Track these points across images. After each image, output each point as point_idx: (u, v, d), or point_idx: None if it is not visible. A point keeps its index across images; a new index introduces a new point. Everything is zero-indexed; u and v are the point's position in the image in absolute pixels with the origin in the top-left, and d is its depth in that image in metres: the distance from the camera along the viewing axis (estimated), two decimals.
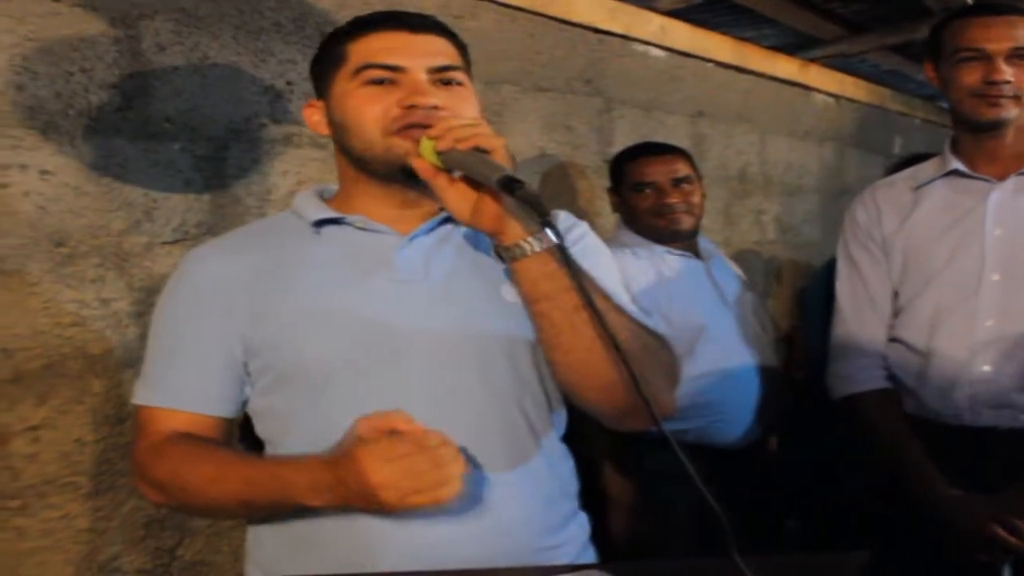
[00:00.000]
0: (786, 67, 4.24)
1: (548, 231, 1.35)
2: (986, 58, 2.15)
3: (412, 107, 1.45)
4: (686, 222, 2.72)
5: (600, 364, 1.38)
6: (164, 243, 2.10)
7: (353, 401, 1.41)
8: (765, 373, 2.75)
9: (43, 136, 1.92)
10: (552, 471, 1.56)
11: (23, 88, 1.89)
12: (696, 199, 2.75)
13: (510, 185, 1.27)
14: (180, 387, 1.54)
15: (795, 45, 4.20)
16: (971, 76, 2.17)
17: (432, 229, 1.56)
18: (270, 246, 1.57)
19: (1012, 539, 2.02)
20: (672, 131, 3.56)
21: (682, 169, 2.75)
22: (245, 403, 1.57)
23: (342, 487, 1.31)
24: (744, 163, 4.04)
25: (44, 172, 1.92)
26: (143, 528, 2.08)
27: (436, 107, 1.45)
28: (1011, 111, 2.16)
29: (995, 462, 2.13)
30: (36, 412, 1.92)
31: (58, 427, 1.95)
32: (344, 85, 1.52)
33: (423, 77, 1.47)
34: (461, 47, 1.58)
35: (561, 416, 1.63)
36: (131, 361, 2.04)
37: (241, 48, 2.23)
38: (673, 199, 2.70)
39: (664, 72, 3.55)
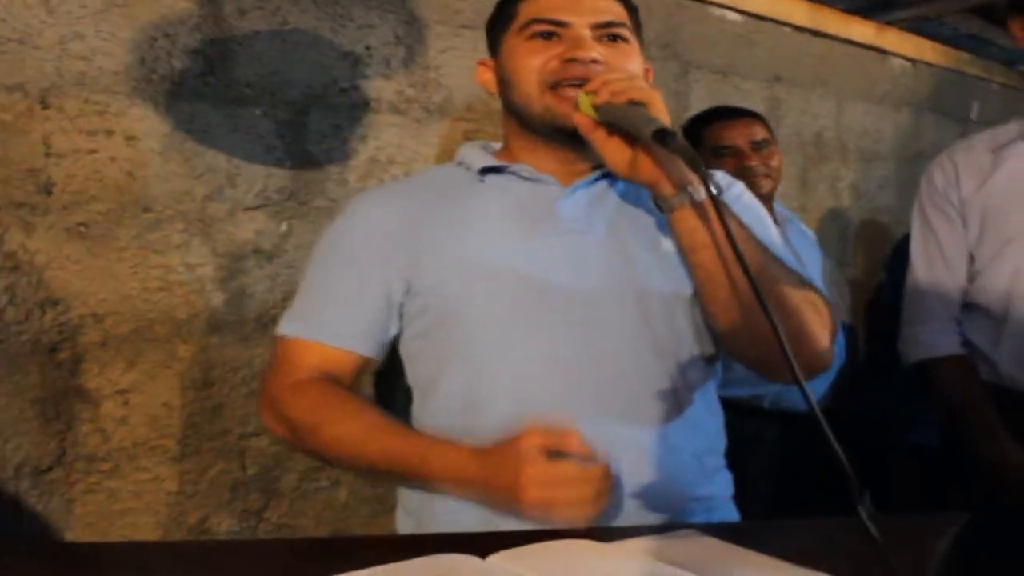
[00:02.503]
0: (863, 31, 4.16)
1: (701, 182, 1.36)
2: None
3: (571, 60, 1.48)
4: (766, 185, 2.69)
5: (757, 315, 1.36)
6: (246, 209, 2.10)
7: (509, 350, 1.47)
8: (840, 338, 2.72)
9: (128, 101, 1.93)
10: (702, 425, 1.56)
11: (109, 54, 1.90)
12: (775, 163, 2.73)
13: (663, 137, 1.30)
14: (327, 321, 1.57)
15: (872, 8, 4.12)
16: None
17: (593, 182, 1.58)
18: (436, 192, 1.61)
19: None
20: (748, 96, 3.51)
21: (760, 132, 2.73)
22: (386, 347, 1.61)
23: (486, 490, 1.33)
24: (820, 128, 3.97)
25: (130, 137, 1.93)
26: (230, 491, 2.10)
27: (595, 61, 1.48)
28: None
29: None
30: (125, 376, 1.94)
31: (146, 391, 1.97)
32: (512, 41, 1.57)
33: (586, 32, 1.51)
34: (631, 8, 1.61)
35: (715, 372, 1.63)
36: (216, 326, 2.05)
37: (320, 13, 2.22)
38: (753, 162, 2.68)
39: (740, 36, 3.50)
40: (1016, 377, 2.17)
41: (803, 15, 3.79)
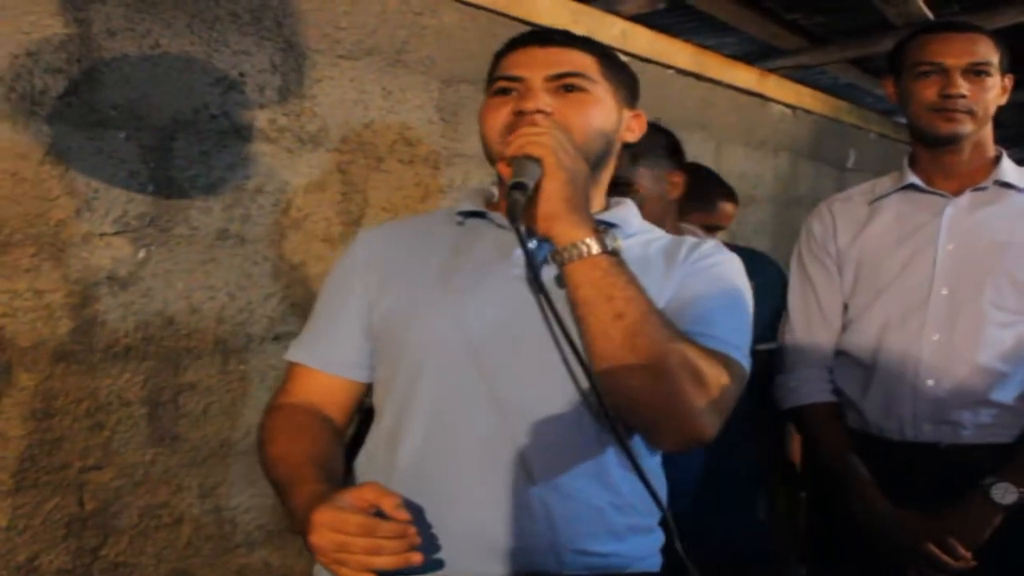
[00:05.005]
0: (745, 76, 4.24)
1: (595, 239, 1.42)
2: (943, 72, 2.18)
3: (520, 112, 1.53)
4: None
5: (629, 376, 1.40)
6: (104, 235, 2.04)
7: (429, 388, 1.53)
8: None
9: None
10: (612, 480, 1.54)
11: None
12: None
13: (511, 192, 1.40)
14: (321, 348, 1.67)
15: (755, 54, 4.20)
16: (929, 90, 2.19)
17: None
18: (420, 232, 1.71)
19: (946, 558, 2.04)
20: None
21: None
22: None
23: (302, 528, 1.36)
24: None
25: None
26: (65, 527, 2.03)
27: (541, 111, 1.52)
28: (967, 126, 2.19)
29: (935, 478, 2.15)
30: None
31: None
32: (485, 97, 1.64)
33: (538, 85, 1.56)
34: (602, 55, 1.65)
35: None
36: (63, 354, 1.99)
37: (195, 37, 2.18)
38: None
39: None
40: (882, 425, 2.23)
41: (686, 59, 3.85)
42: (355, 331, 1.64)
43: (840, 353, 2.35)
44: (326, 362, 1.66)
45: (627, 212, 1.69)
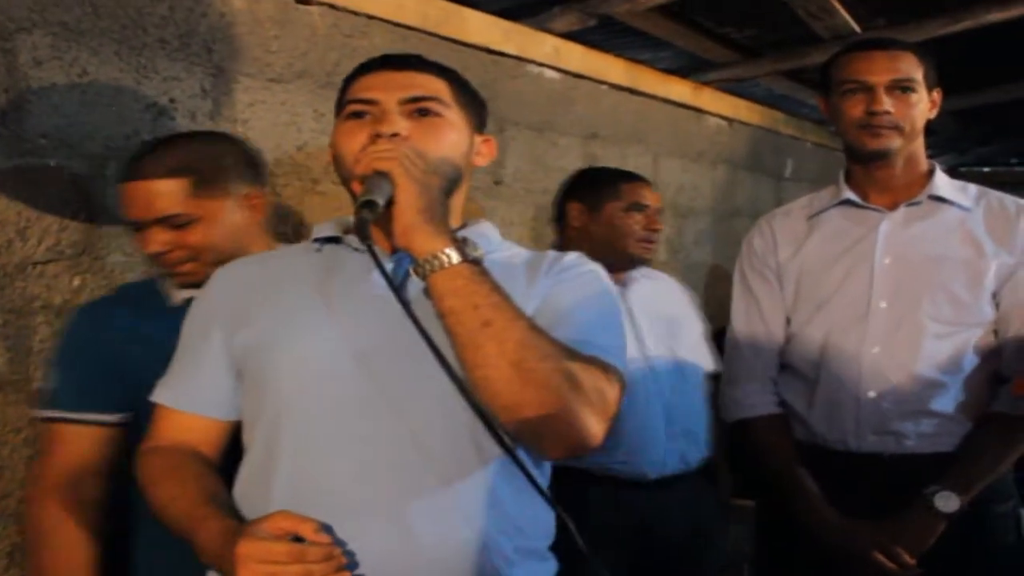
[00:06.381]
0: (679, 90, 4.27)
1: (454, 248, 1.41)
2: (868, 89, 2.22)
3: (378, 136, 1.52)
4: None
5: (503, 383, 1.38)
6: (37, 263, 2.04)
7: (308, 417, 1.49)
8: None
9: None
10: (502, 506, 1.51)
11: None
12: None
13: (359, 210, 1.40)
14: (184, 389, 1.64)
15: (689, 68, 4.24)
16: (855, 108, 2.24)
17: None
18: (282, 261, 1.70)
19: (892, 565, 2.08)
20: (565, 153, 3.57)
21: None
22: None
23: (223, 564, 1.35)
24: None
25: None
26: (7, 557, 2.02)
27: (397, 134, 1.52)
28: (894, 141, 2.23)
29: (881, 487, 2.19)
30: None
31: None
32: (338, 121, 1.62)
33: (393, 108, 1.55)
34: (453, 80, 1.65)
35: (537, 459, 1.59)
36: (0, 385, 1.98)
37: (123, 64, 2.18)
38: (658, 227, 2.82)
39: (557, 93, 3.56)
40: (827, 436, 2.27)
41: (620, 73, 3.89)
42: (218, 369, 1.61)
43: (784, 366, 2.39)
44: (190, 402, 1.63)
45: (485, 229, 1.71)
